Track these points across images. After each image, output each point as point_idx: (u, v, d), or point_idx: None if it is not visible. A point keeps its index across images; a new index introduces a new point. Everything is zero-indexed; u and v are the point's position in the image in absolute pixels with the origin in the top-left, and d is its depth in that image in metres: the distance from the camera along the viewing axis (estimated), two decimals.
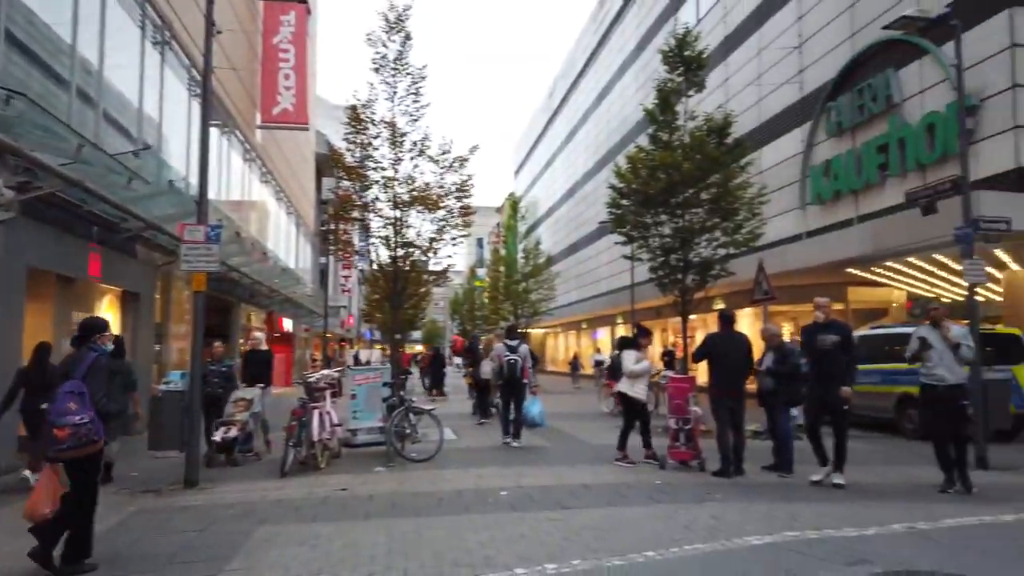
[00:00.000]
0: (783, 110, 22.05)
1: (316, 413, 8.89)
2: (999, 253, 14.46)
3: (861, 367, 13.29)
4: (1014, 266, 16.00)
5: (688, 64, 15.16)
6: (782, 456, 8.60)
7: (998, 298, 17.23)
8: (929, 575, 4.52)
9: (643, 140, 16.69)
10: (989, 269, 16.19)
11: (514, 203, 49.54)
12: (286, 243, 28.14)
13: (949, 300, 18.88)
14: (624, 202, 15.89)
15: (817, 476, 7.77)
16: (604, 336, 40.56)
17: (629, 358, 9.30)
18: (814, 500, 6.92)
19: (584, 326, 44.89)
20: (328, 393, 9.56)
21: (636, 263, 21.14)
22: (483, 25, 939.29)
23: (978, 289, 10.42)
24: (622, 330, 35.09)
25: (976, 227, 9.40)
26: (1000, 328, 13.72)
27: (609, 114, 40.12)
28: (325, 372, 10.44)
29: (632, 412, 9.28)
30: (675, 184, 14.59)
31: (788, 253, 19.24)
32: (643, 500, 6.88)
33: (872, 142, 17.92)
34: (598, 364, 25.48)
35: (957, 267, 15.55)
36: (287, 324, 29.47)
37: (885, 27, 10.40)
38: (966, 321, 9.68)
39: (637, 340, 9.58)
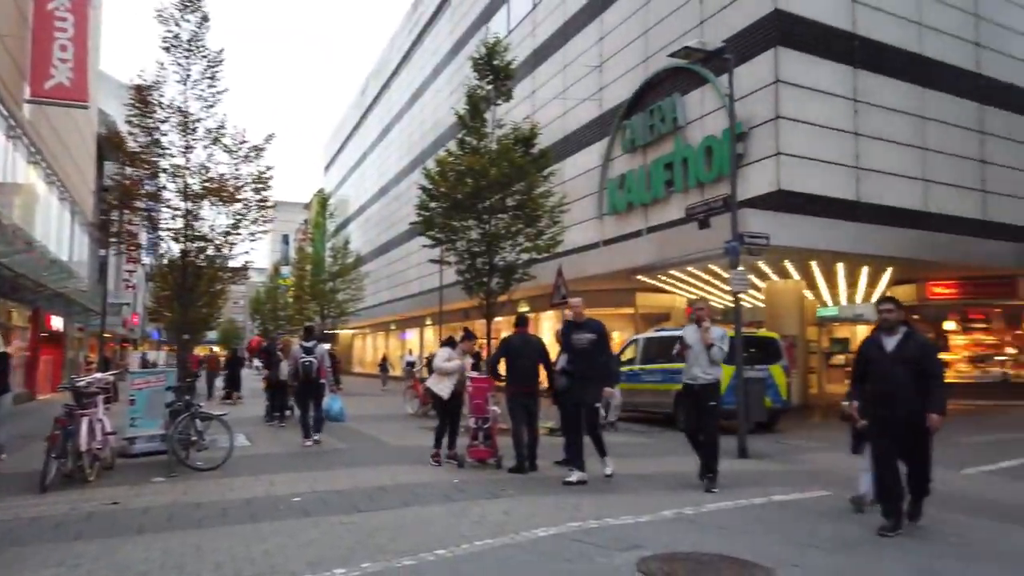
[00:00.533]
0: (584, 125, 23.35)
1: (85, 421, 8.04)
2: (762, 265, 16.29)
3: (648, 367, 14.64)
4: (774, 277, 18.12)
5: (497, 73, 15.61)
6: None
7: (762, 304, 19.42)
8: (686, 556, 4.99)
9: (454, 144, 16.94)
10: (755, 279, 18.27)
11: (323, 200, 48.13)
12: (58, 232, 25.19)
13: (722, 306, 21.02)
14: (433, 205, 16.02)
15: (572, 477, 7.77)
16: (413, 337, 40.52)
17: (441, 355, 9.40)
18: (598, 492, 7.37)
19: (393, 327, 44.57)
20: (100, 399, 8.69)
21: (445, 266, 21.37)
22: (293, 17, 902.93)
23: (745, 297, 11.80)
24: (431, 332, 35.25)
25: (741, 241, 10.53)
26: (762, 332, 15.48)
27: (422, 115, 40.20)
28: (98, 376, 9.47)
29: (443, 411, 9.35)
30: (482, 189, 14.94)
31: (586, 260, 20.41)
32: (439, 499, 6.95)
33: (660, 160, 19.50)
34: (409, 365, 25.41)
35: (727, 275, 17.39)
36: (56, 322, 26.40)
37: (671, 55, 11.34)
38: (731, 324, 10.82)
39: (454, 340, 9.71)
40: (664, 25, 19.53)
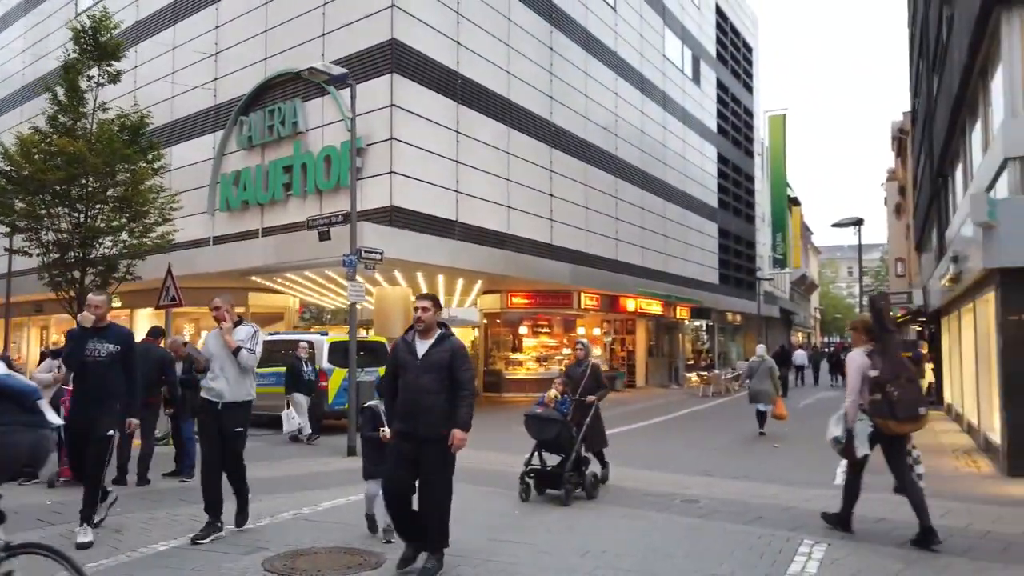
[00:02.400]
0: (197, 113, 22.16)
1: None
2: (376, 275, 17.49)
3: (261, 369, 14.63)
4: (384, 284, 19.52)
5: (103, 52, 14.16)
6: (183, 462, 8.98)
7: (371, 306, 20.70)
8: (308, 551, 5.57)
9: (43, 121, 14.80)
10: (366, 285, 19.45)
11: None
12: None
13: (334, 307, 21.86)
14: (10, 187, 13.85)
15: (82, 538, 5.72)
16: None
17: (43, 367, 8.48)
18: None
19: None
20: None
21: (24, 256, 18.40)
22: None
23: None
24: None
25: (359, 255, 11.40)
26: (372, 336, 16.67)
27: None
28: None
29: None
30: (77, 176, 13.43)
31: (197, 257, 19.45)
32: (30, 524, 6.38)
33: (279, 162, 19.55)
34: None
35: (343, 281, 18.25)
36: None
37: (297, 73, 11.74)
38: (331, 328, 11.64)
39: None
40: (285, 29, 19.63)
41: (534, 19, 22.37)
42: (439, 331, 5.13)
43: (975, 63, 11.98)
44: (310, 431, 13.09)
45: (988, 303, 10.77)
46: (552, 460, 7.99)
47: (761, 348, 15.29)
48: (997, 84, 10.64)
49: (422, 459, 4.91)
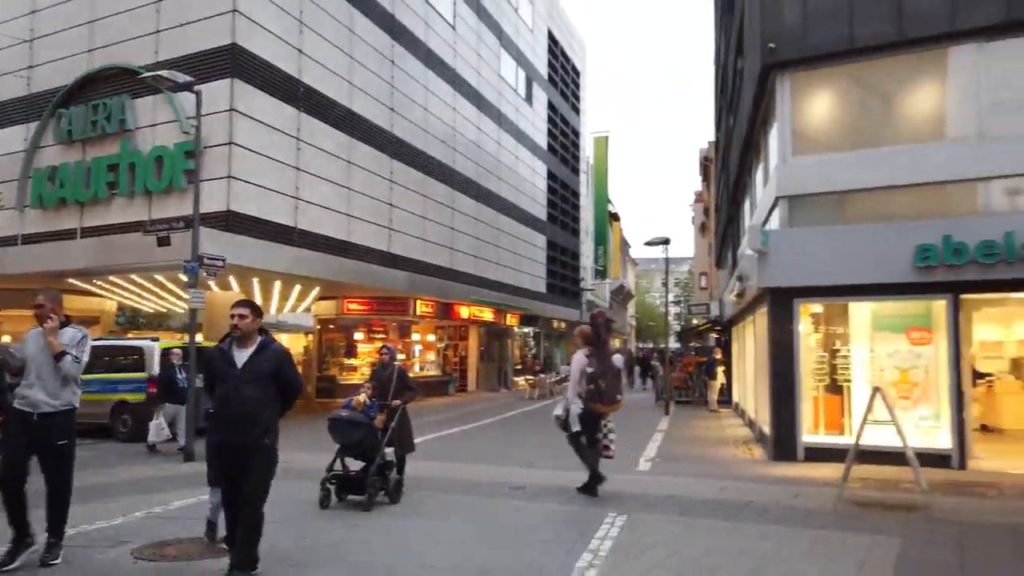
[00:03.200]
0: (7, 101, 20.53)
1: None
2: (210, 283, 17.23)
3: (86, 376, 13.99)
4: (215, 288, 19.18)
5: None
6: None
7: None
8: (174, 540, 5.97)
9: None
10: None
11: None
12: None
13: (152, 310, 21.05)
14: None
15: None
16: None
17: None
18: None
19: None
20: None
21: None
22: None
23: (180, 304, 12.51)
24: None
25: (201, 262, 11.49)
26: (204, 341, 16.40)
27: None
28: None
29: None
30: None
31: (4, 256, 18.08)
32: None
33: (103, 159, 18.63)
34: None
35: (171, 285, 17.78)
36: None
37: (136, 73, 11.62)
38: (177, 335, 11.65)
39: None
40: (114, 22, 18.79)
41: (376, 32, 22.90)
42: (260, 338, 5.02)
43: (758, 113, 14.22)
44: (182, 443, 11.83)
45: (763, 316, 12.86)
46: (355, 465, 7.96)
47: None
48: (774, 133, 12.77)
49: (246, 470, 4.82)
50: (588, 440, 8.48)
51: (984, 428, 13.66)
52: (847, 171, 11.37)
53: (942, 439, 10.54)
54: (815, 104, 12.26)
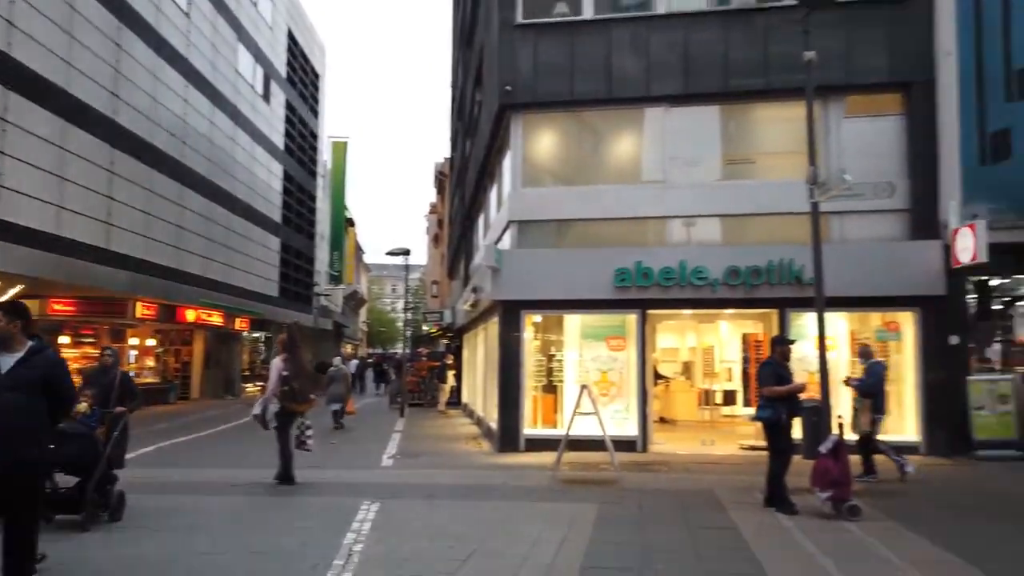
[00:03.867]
0: None
1: None
2: None
3: None
4: None
5: None
6: None
7: None
8: None
9: None
10: None
11: None
12: None
13: None
14: None
15: None
16: None
17: None
18: None
19: None
20: None
21: None
22: None
23: None
24: None
25: None
26: None
27: None
28: None
29: None
30: None
31: None
32: None
33: None
34: None
35: None
36: None
37: None
38: None
39: None
40: None
41: (101, 13, 21.06)
42: (30, 343, 4.55)
43: (494, 143, 15.92)
44: None
45: (495, 325, 14.46)
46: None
47: (338, 359, 17.56)
48: (507, 164, 14.46)
49: (7, 496, 4.26)
50: (280, 436, 9.38)
51: (662, 420, 16.63)
52: (567, 203, 13.38)
53: (630, 428, 12.86)
54: (543, 142, 14.18)
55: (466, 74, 24.88)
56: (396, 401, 23.96)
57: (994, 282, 12.76)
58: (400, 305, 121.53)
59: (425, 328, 46.41)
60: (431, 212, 56.82)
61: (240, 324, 33.14)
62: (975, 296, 12.55)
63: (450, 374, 24.00)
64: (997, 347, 12.77)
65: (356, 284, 67.41)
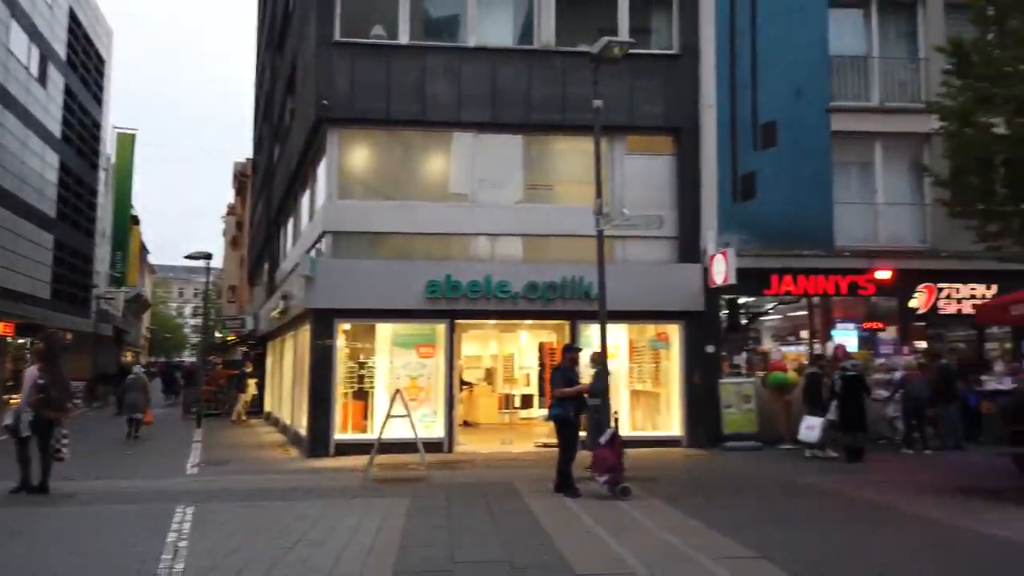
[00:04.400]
0: None
1: None
2: None
3: None
4: None
5: None
6: None
7: None
8: None
9: None
10: None
11: None
12: None
13: None
14: None
15: None
16: None
17: None
18: None
19: None
20: None
21: None
22: None
23: None
24: None
25: None
26: None
27: None
28: None
29: None
30: None
31: None
32: None
33: None
34: None
35: None
36: None
37: None
38: None
39: None
40: None
41: None
42: None
43: (308, 153, 16.15)
44: None
45: (306, 333, 14.69)
46: None
47: (138, 367, 16.81)
48: (322, 174, 14.78)
49: None
50: (42, 445, 9.21)
51: (466, 423, 17.68)
52: (382, 216, 14.00)
53: (438, 431, 13.71)
54: (359, 156, 14.70)
55: (275, 79, 24.56)
56: (191, 411, 22.84)
57: (742, 300, 15.18)
58: (188, 310, 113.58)
59: (219, 335, 44.17)
60: (229, 213, 54.24)
61: (4, 329, 29.74)
62: (727, 312, 14.89)
63: (251, 383, 23.39)
64: (744, 355, 15.20)
65: (140, 287, 62.41)
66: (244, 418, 22.24)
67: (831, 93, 15.05)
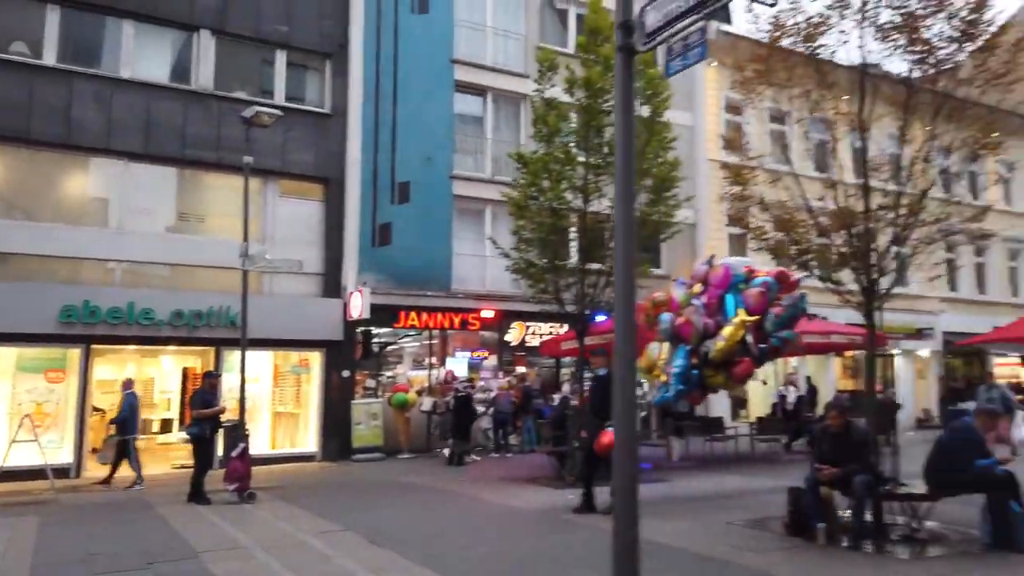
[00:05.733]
0: None
1: None
2: None
3: None
4: None
5: None
6: None
7: None
8: None
9: None
10: None
11: None
12: None
13: None
14: None
15: None
16: None
17: None
18: None
19: None
20: None
21: None
22: None
23: None
24: None
25: None
26: None
27: None
28: None
29: None
30: None
31: None
32: None
33: None
34: None
35: None
36: None
37: None
38: None
39: None
40: None
41: None
42: None
43: None
44: None
45: None
46: None
47: None
48: None
49: None
50: None
51: (94, 451, 17.19)
52: (13, 236, 13.52)
53: (65, 456, 13.57)
54: None
55: None
56: None
57: (376, 331, 17.50)
58: None
59: None
60: None
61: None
62: (361, 341, 17.07)
63: None
64: (375, 379, 17.50)
65: None
66: None
67: (454, 163, 18.28)
